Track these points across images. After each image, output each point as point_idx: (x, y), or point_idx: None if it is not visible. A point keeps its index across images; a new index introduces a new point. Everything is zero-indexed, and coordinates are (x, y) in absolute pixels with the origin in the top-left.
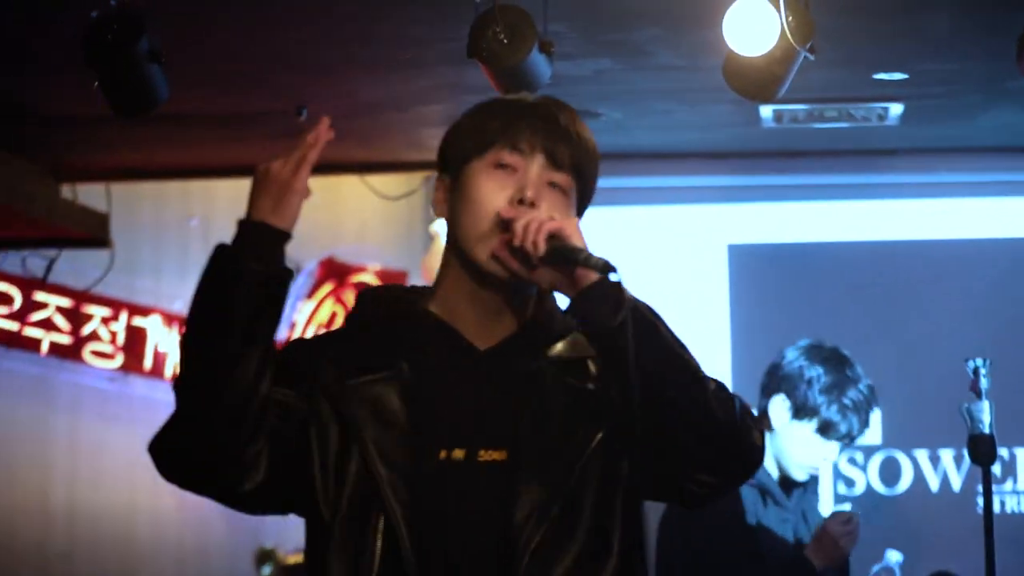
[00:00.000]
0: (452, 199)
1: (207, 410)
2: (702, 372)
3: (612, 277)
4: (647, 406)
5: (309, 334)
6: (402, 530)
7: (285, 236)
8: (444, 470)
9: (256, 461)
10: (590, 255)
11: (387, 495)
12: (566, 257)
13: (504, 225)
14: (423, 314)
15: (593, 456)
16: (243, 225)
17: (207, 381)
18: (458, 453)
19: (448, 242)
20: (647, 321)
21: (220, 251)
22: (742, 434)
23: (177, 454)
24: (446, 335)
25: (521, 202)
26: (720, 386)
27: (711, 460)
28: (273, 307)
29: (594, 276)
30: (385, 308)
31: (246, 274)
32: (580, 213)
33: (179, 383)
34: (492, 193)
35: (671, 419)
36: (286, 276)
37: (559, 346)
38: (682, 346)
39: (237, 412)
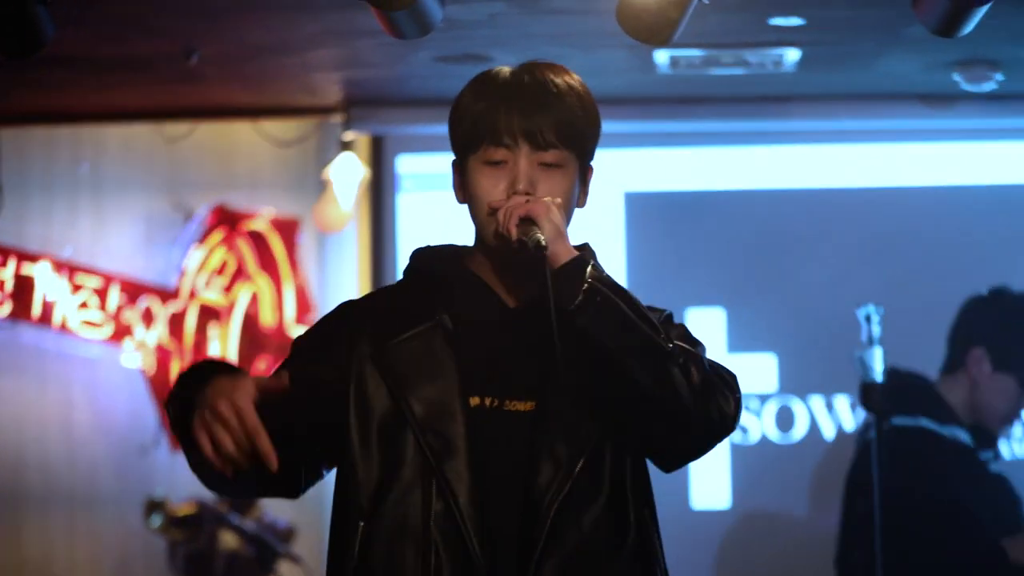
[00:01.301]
0: (463, 187)
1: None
2: (668, 347)
3: (541, 252)
4: (611, 381)
5: (200, 282)
6: (442, 479)
7: None
8: (475, 416)
9: (298, 477)
10: (533, 234)
11: (423, 440)
12: (525, 241)
13: (493, 213)
14: (465, 272)
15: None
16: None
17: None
18: (489, 401)
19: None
20: (609, 302)
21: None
22: (706, 407)
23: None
24: (482, 292)
25: (516, 194)
26: (692, 360)
27: (678, 430)
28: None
29: (563, 259)
30: (435, 264)
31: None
32: (586, 164)
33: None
34: (489, 190)
35: (633, 394)
36: None
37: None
38: (651, 325)
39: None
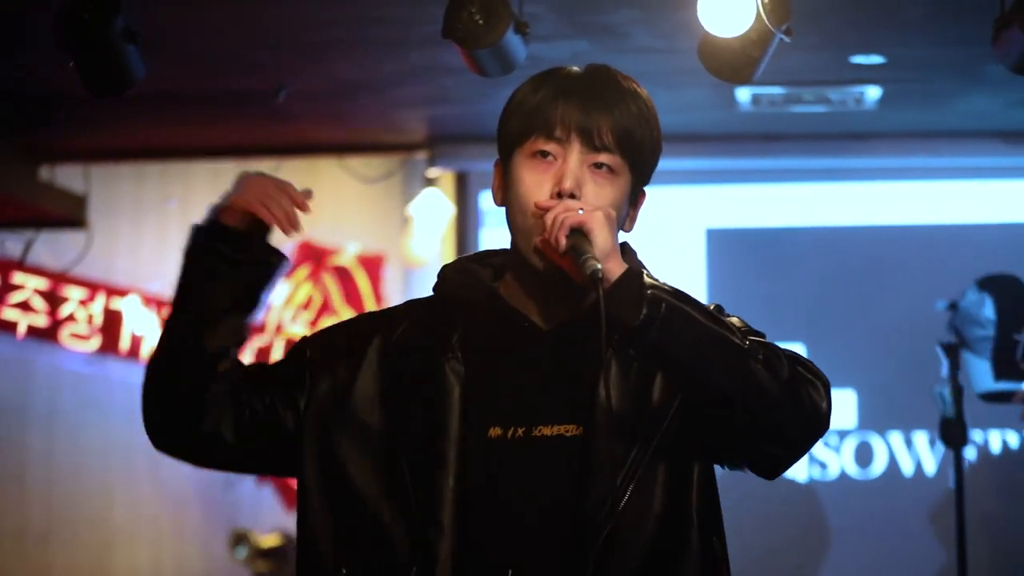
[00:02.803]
0: (504, 187)
1: (165, 364)
2: (746, 345)
3: (595, 284)
4: (693, 391)
5: (287, 317)
6: (447, 503)
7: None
8: (494, 448)
9: (216, 417)
10: (586, 259)
11: (442, 469)
12: (576, 256)
13: (542, 214)
14: (492, 295)
15: (669, 427)
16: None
17: (168, 346)
18: (513, 430)
19: (510, 228)
20: (676, 310)
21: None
22: (799, 401)
23: (148, 408)
24: (510, 316)
25: (560, 195)
26: (772, 354)
27: (770, 432)
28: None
29: (614, 274)
30: (459, 284)
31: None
32: (640, 183)
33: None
34: (533, 187)
35: (719, 399)
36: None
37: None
38: (721, 324)
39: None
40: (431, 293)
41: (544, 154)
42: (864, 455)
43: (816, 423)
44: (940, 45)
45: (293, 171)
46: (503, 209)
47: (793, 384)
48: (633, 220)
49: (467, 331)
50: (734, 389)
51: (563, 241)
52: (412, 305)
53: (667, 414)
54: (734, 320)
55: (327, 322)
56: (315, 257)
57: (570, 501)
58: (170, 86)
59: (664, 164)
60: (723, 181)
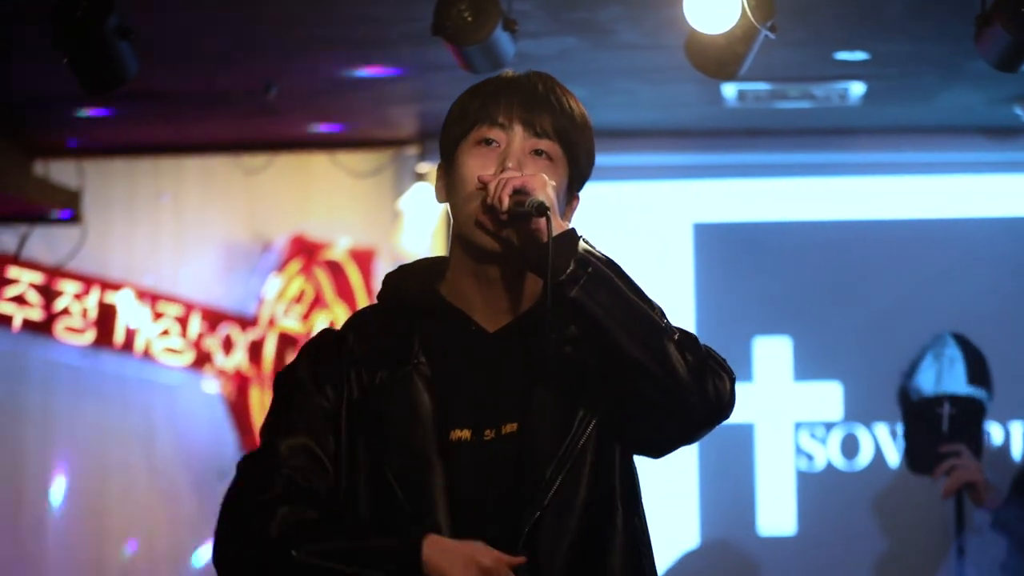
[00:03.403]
0: (447, 183)
1: None
2: (663, 323)
3: (543, 213)
4: (605, 356)
5: (279, 311)
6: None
7: None
8: (459, 451)
9: None
10: (531, 199)
11: (402, 496)
12: (520, 210)
13: (483, 187)
14: (436, 299)
15: (594, 430)
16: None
17: None
18: (464, 433)
19: (451, 228)
20: (601, 274)
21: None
22: (704, 385)
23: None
24: (456, 320)
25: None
26: (688, 339)
27: (673, 410)
28: None
29: (556, 229)
30: (404, 293)
31: None
32: (576, 182)
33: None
34: (476, 168)
35: (629, 369)
36: None
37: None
38: (643, 298)
39: None
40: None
41: (488, 141)
42: (850, 447)
43: (718, 410)
44: (923, 41)
45: (285, 166)
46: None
47: (702, 369)
48: (568, 219)
49: (423, 336)
50: (645, 359)
51: (506, 200)
52: (362, 318)
53: (596, 408)
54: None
55: (319, 316)
56: (307, 251)
57: (513, 494)
58: (161, 83)
59: (651, 159)
60: (709, 176)
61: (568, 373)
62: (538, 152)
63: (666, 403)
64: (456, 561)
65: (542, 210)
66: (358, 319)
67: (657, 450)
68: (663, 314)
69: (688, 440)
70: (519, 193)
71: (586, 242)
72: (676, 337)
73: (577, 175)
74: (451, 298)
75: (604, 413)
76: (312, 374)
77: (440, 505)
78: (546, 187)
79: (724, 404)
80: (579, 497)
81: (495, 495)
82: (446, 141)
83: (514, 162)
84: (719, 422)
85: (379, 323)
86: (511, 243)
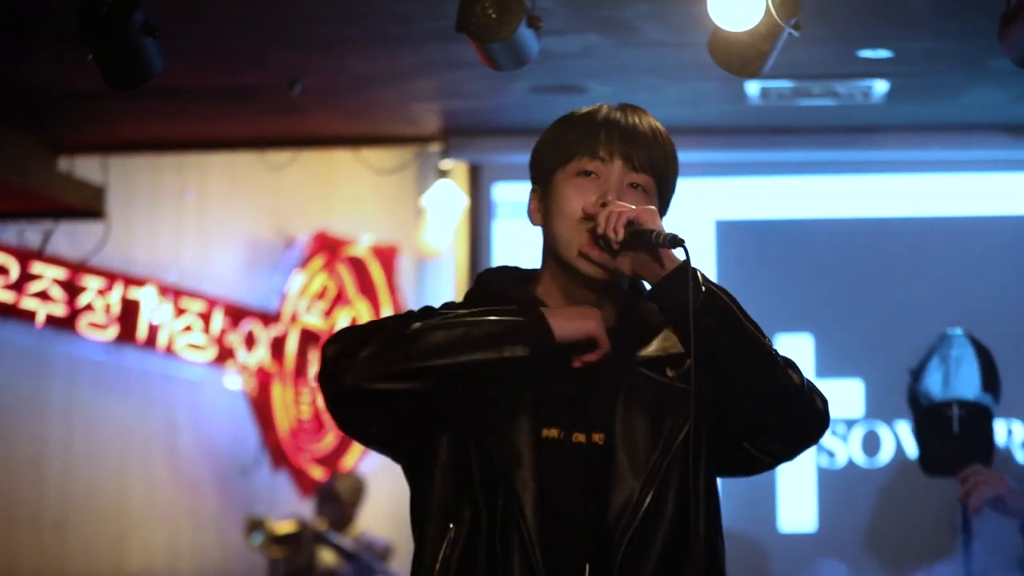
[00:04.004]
0: (543, 208)
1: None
2: (774, 350)
3: (680, 250)
4: (725, 383)
5: (301, 306)
6: (524, 502)
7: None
8: (547, 448)
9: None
10: (661, 232)
11: (504, 472)
12: (642, 239)
13: (588, 219)
14: (533, 298)
15: (679, 451)
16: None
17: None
18: (553, 432)
19: (544, 247)
20: (725, 304)
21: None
22: (809, 405)
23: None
24: None
25: (604, 205)
26: (788, 362)
27: (780, 430)
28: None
29: (675, 262)
30: (503, 292)
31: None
32: (663, 209)
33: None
34: (577, 199)
35: (746, 394)
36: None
37: (652, 344)
38: (756, 327)
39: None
40: (461, 299)
41: (587, 173)
42: (871, 444)
43: (821, 426)
44: (946, 39)
45: (309, 163)
46: (539, 229)
47: (810, 390)
48: None
49: None
50: (763, 383)
51: (621, 232)
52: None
53: (684, 425)
54: None
55: (342, 312)
56: (330, 247)
57: (599, 501)
58: (186, 80)
59: None
60: (732, 174)
61: (652, 393)
62: (634, 185)
63: (781, 424)
64: (575, 314)
65: (677, 242)
66: (453, 307)
67: (755, 470)
68: (772, 342)
69: (786, 459)
70: (632, 224)
71: (702, 273)
72: (783, 363)
73: (665, 204)
74: (547, 299)
75: (694, 434)
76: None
77: (530, 492)
78: (656, 218)
79: (827, 421)
80: (665, 515)
81: (581, 501)
82: (540, 167)
83: (614, 195)
84: (816, 440)
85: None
86: (617, 272)
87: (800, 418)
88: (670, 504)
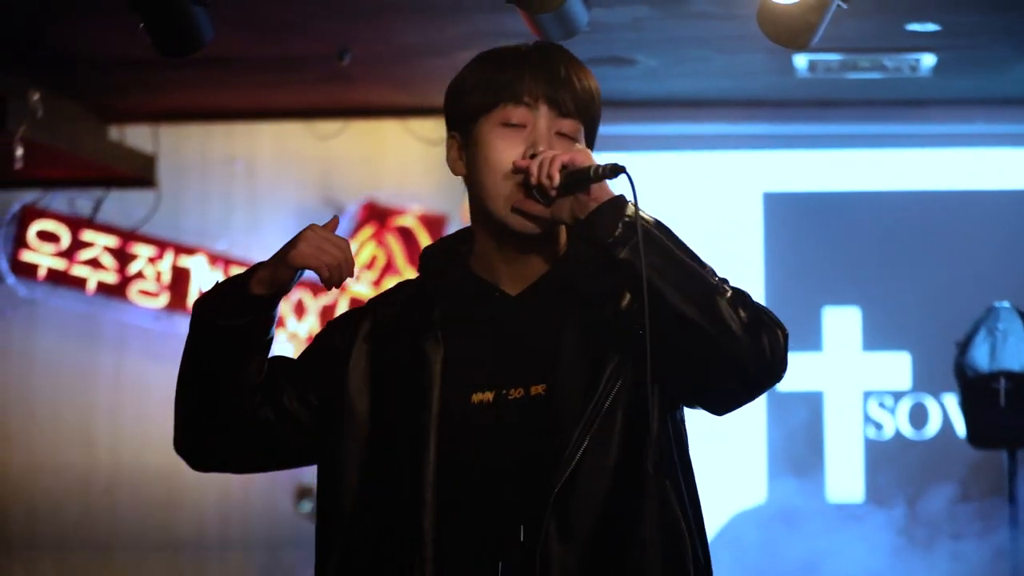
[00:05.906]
0: (467, 158)
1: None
2: (715, 280)
3: (619, 174)
4: (657, 318)
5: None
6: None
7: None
8: (476, 412)
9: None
10: (599, 166)
11: (423, 444)
12: (579, 178)
13: (519, 171)
14: (460, 271)
15: (622, 387)
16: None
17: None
18: (486, 396)
19: (471, 201)
20: (651, 235)
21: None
22: (758, 341)
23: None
24: (481, 289)
25: (534, 157)
26: (738, 294)
27: (732, 367)
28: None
29: (604, 198)
30: (436, 267)
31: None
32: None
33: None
34: (505, 152)
35: (682, 327)
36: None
37: (587, 281)
38: (693, 257)
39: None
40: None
41: (513, 124)
42: (918, 416)
43: (773, 365)
44: (994, 12)
45: (357, 133)
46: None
47: (755, 325)
48: None
49: (446, 307)
50: (698, 317)
51: (557, 177)
52: (404, 286)
53: (625, 368)
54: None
55: (390, 282)
56: (379, 217)
57: (538, 456)
58: (236, 50)
59: (721, 128)
60: (780, 146)
61: (594, 333)
62: (560, 133)
63: (721, 359)
64: (293, 241)
65: (618, 170)
66: (398, 287)
67: (716, 407)
68: (714, 272)
69: (751, 395)
70: (567, 167)
71: (635, 206)
72: (728, 294)
73: (591, 144)
74: (478, 269)
75: (640, 372)
76: (325, 335)
77: (428, 478)
78: (590, 157)
79: (779, 359)
80: (610, 459)
81: (518, 457)
82: (461, 113)
83: (544, 146)
84: (776, 378)
85: (412, 293)
86: (557, 220)
87: (752, 353)
88: (614, 450)
